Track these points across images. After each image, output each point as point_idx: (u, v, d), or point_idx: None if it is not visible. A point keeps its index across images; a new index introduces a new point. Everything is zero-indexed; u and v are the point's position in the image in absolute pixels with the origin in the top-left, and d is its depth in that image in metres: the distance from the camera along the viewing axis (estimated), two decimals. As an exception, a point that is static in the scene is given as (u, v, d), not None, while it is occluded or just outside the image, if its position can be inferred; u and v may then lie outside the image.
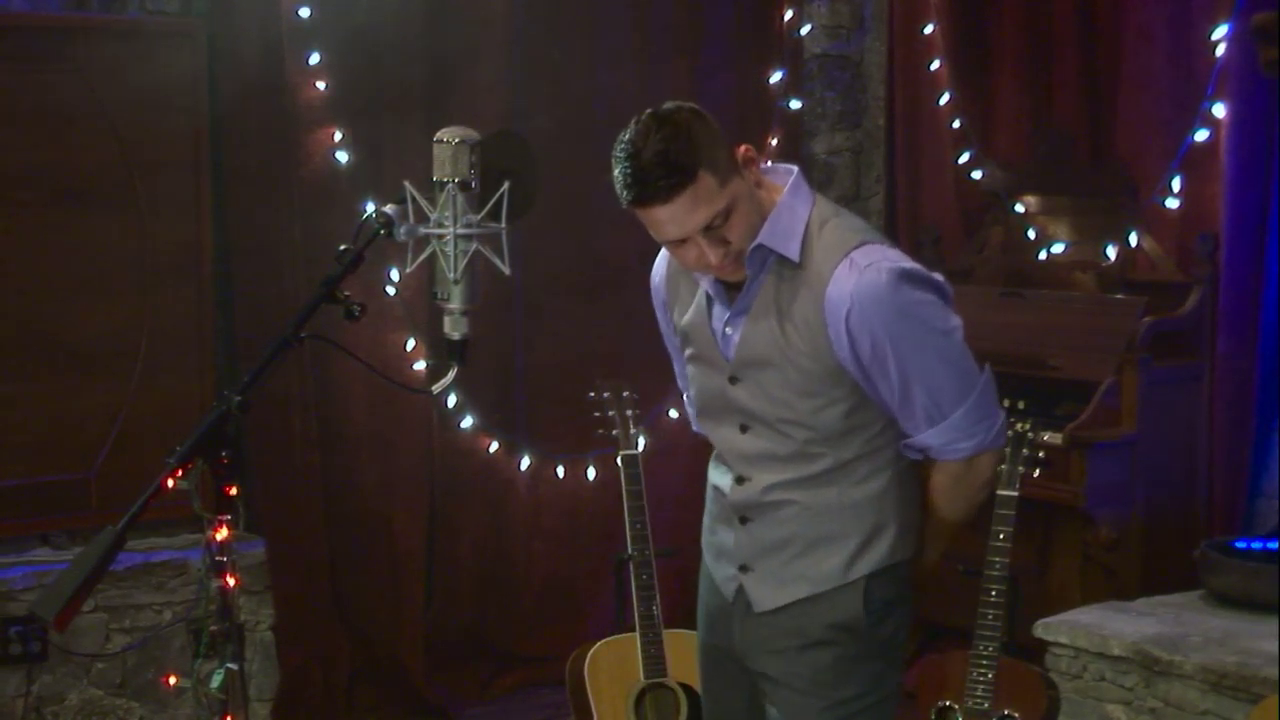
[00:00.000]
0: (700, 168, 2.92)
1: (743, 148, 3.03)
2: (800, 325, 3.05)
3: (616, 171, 2.95)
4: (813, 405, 3.09)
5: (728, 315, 3.16)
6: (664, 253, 3.33)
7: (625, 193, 2.95)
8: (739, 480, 3.26)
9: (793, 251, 3.05)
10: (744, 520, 3.26)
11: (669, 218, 2.97)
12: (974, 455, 3.14)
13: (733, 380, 3.17)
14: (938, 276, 3.07)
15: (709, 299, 3.21)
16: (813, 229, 3.07)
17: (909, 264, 3.04)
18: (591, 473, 6.52)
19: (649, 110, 2.98)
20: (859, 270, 2.99)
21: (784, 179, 3.13)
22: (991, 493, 3.33)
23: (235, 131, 5.80)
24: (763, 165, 3.16)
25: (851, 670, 3.20)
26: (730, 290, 3.15)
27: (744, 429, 3.21)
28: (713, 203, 2.95)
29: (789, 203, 3.08)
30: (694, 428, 3.49)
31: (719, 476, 3.35)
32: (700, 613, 3.48)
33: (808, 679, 3.20)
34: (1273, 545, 5.28)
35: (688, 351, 3.31)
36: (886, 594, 3.20)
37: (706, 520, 3.44)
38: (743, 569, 3.27)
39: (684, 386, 3.46)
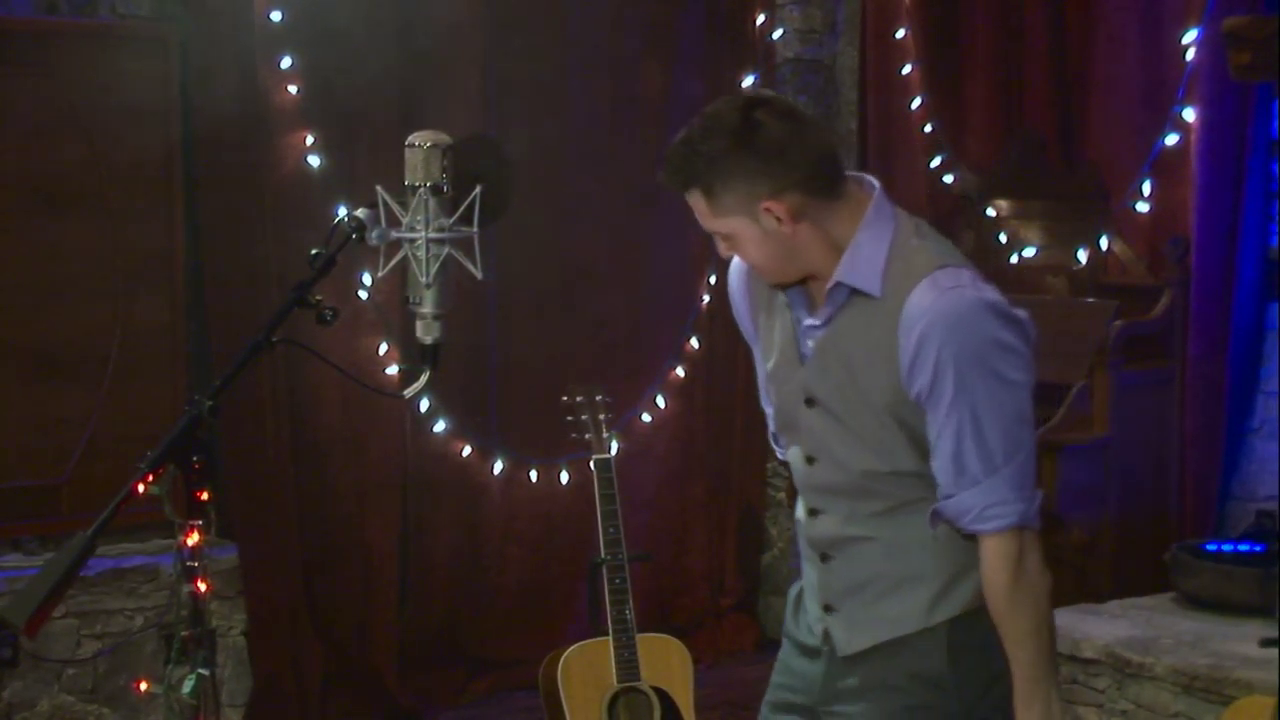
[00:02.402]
0: (694, 187, 2.85)
1: (766, 204, 2.81)
2: (873, 351, 2.86)
3: None
4: (881, 439, 2.88)
5: (807, 322, 2.97)
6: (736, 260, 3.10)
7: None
8: (811, 513, 3.08)
9: (874, 286, 2.85)
10: (825, 558, 3.07)
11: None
12: (1016, 529, 2.84)
13: (809, 402, 2.98)
14: (1025, 317, 2.84)
15: (790, 303, 3.00)
16: (895, 255, 2.86)
17: (998, 296, 2.82)
18: (565, 477, 6.52)
19: (744, 98, 2.89)
20: (941, 290, 2.79)
21: (867, 194, 2.91)
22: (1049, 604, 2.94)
23: (207, 135, 5.78)
24: (848, 174, 2.93)
25: None
26: (810, 301, 2.97)
27: (810, 460, 3.02)
28: (705, 220, 2.89)
29: (869, 234, 2.87)
30: (778, 454, 3.26)
31: (799, 509, 3.14)
32: (784, 651, 3.24)
33: None
34: (1244, 548, 5.30)
35: (769, 360, 3.10)
36: (973, 642, 2.97)
37: (802, 560, 3.20)
38: (827, 609, 3.08)
39: (764, 403, 3.21)
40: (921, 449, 2.87)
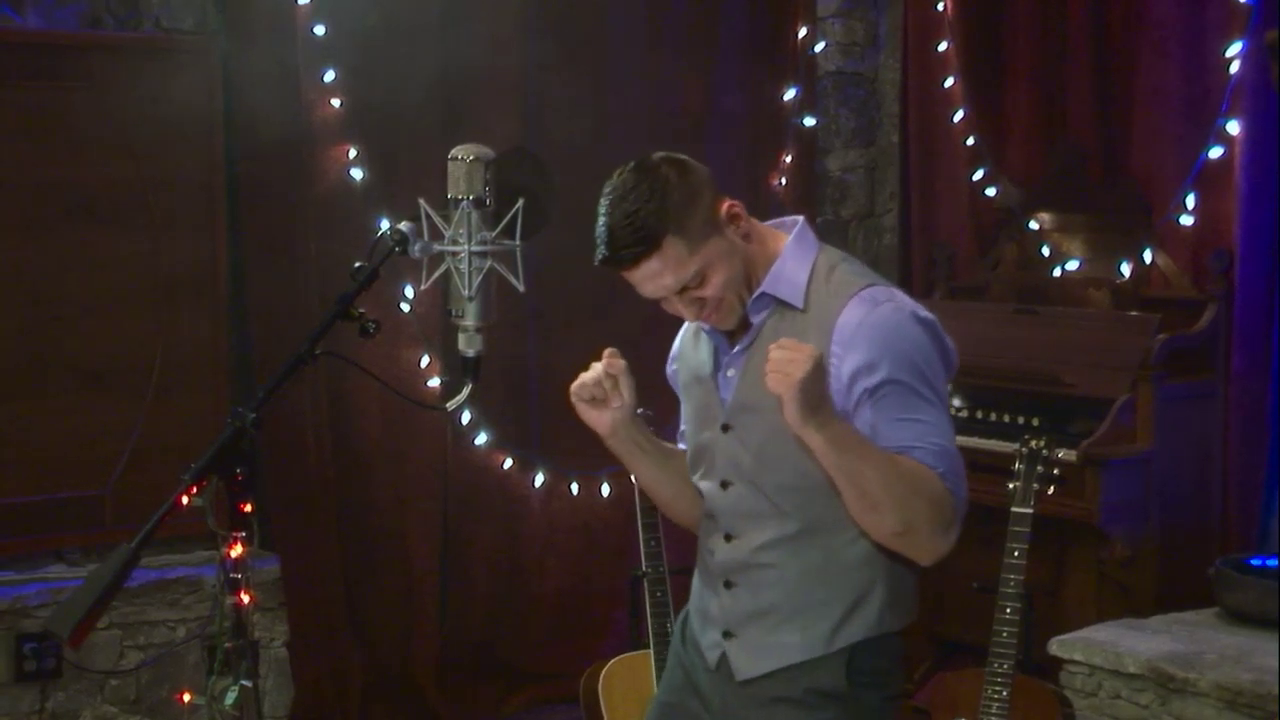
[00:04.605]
0: (668, 234, 2.93)
1: (726, 204, 3.02)
2: None
3: (596, 228, 3.00)
4: (799, 455, 2.95)
5: (728, 356, 3.14)
6: None
7: (596, 254, 3.00)
8: (726, 538, 3.17)
9: (796, 298, 3.04)
10: (728, 585, 3.17)
11: (639, 280, 3.01)
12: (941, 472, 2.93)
13: (725, 428, 3.13)
14: (950, 343, 3.06)
15: (717, 347, 3.18)
16: (819, 274, 3.06)
17: (927, 313, 3.03)
18: (605, 489, 6.52)
19: (633, 162, 3.00)
20: (875, 303, 2.98)
21: (789, 230, 3.13)
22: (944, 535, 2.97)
23: (250, 148, 5.80)
24: (768, 222, 3.16)
25: None
26: (734, 335, 3.14)
27: (724, 485, 3.15)
28: (681, 268, 2.96)
29: (793, 251, 3.08)
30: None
31: (705, 537, 3.25)
32: (669, 668, 3.37)
33: None
34: (1288, 563, 5.27)
35: (685, 412, 3.30)
36: (872, 664, 3.08)
37: (695, 583, 3.33)
38: (726, 635, 3.17)
39: (680, 441, 3.38)
40: None
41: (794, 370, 2.80)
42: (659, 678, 4.84)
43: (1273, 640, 4.92)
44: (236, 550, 2.76)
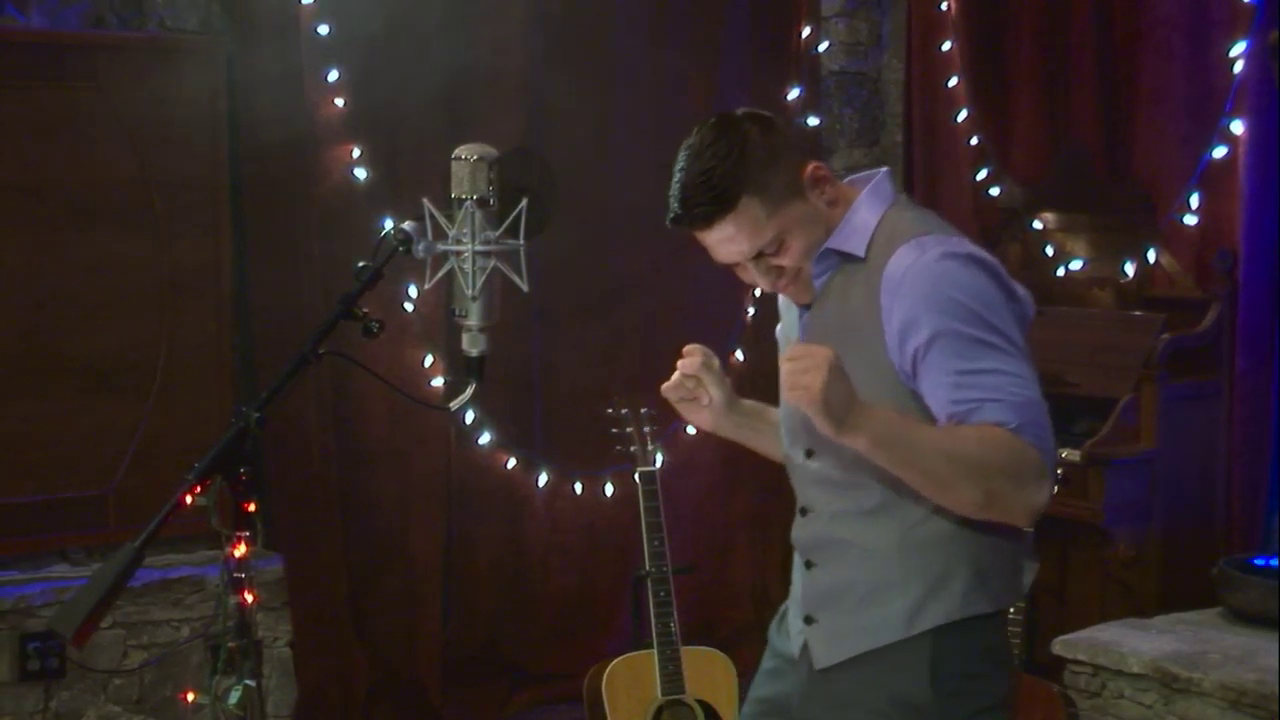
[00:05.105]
0: (744, 195, 2.79)
1: (811, 166, 2.87)
2: (856, 316, 2.84)
3: (671, 184, 2.85)
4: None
5: (803, 319, 3.00)
6: None
7: (668, 211, 2.86)
8: (802, 512, 3.04)
9: (859, 248, 2.87)
10: (808, 565, 3.03)
11: (713, 243, 2.87)
12: (1017, 428, 2.67)
13: None
14: (1021, 290, 2.85)
15: (799, 310, 3.04)
16: (884, 224, 2.88)
17: (988, 256, 2.81)
18: (609, 489, 6.52)
19: (715, 117, 2.87)
20: (923, 250, 2.78)
21: (866, 183, 2.96)
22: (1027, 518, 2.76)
23: (254, 148, 5.80)
24: (855, 176, 3.01)
25: None
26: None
27: (809, 454, 2.99)
28: (758, 232, 2.82)
29: (866, 201, 2.91)
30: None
31: (795, 520, 3.09)
32: (765, 662, 3.21)
33: None
34: (1292, 563, 5.27)
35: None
36: (961, 664, 2.86)
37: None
38: (808, 620, 3.01)
39: None
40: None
41: (811, 381, 2.60)
42: (662, 677, 4.84)
43: (1276, 640, 4.92)
44: (240, 550, 2.76)
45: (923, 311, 2.73)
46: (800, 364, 2.62)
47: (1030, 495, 2.70)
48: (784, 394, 2.67)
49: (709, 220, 2.81)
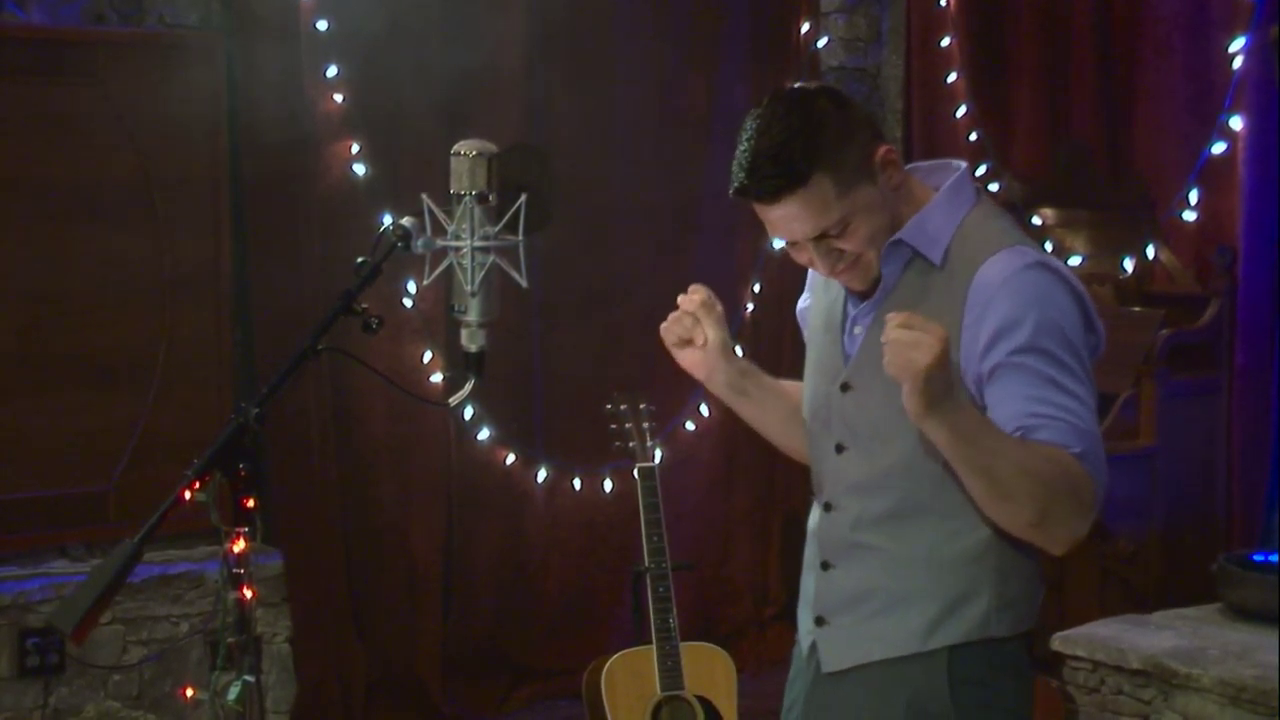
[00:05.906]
0: (816, 171, 2.65)
1: (883, 149, 2.73)
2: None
3: (736, 153, 2.71)
4: (920, 430, 2.63)
5: (857, 311, 2.86)
6: None
7: (733, 180, 2.72)
8: (827, 508, 2.92)
9: (935, 254, 2.75)
10: (825, 566, 2.91)
11: (776, 219, 2.73)
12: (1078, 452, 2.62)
13: (844, 387, 2.86)
14: (1100, 324, 2.77)
15: (846, 296, 2.90)
16: (966, 229, 2.77)
17: (1079, 283, 2.74)
18: (608, 485, 6.52)
19: (787, 88, 2.77)
20: (1023, 261, 2.69)
21: (943, 178, 2.84)
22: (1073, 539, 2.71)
23: (254, 144, 5.80)
24: (921, 164, 2.90)
25: None
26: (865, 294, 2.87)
27: (840, 449, 2.88)
28: (825, 212, 2.69)
29: (946, 200, 2.79)
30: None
31: (812, 515, 2.99)
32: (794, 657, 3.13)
33: None
34: (1291, 559, 5.27)
35: (809, 357, 3.01)
36: (982, 675, 2.78)
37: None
38: (819, 622, 2.92)
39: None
40: None
41: (919, 356, 2.48)
42: (661, 673, 4.84)
43: (1276, 636, 4.92)
44: (239, 545, 2.75)
45: (1024, 319, 2.65)
46: (913, 334, 2.51)
47: (1076, 525, 2.67)
48: (886, 358, 2.54)
49: (776, 194, 2.68)
